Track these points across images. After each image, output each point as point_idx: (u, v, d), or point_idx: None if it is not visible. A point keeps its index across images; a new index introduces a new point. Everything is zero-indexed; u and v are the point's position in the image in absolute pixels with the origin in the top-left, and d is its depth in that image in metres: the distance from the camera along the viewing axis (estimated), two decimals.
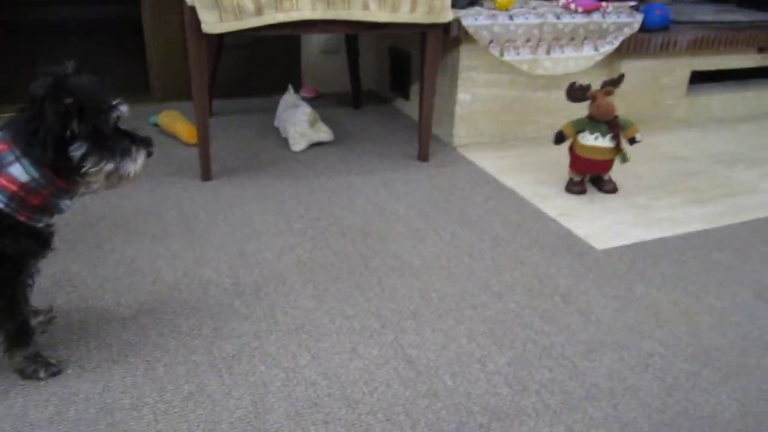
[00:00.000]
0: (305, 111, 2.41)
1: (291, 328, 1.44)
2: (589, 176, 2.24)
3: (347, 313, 1.50)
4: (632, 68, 2.68)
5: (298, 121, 2.40)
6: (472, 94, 2.48)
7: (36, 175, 1.10)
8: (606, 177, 2.20)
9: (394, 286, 1.61)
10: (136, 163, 1.18)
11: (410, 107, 2.83)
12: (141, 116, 2.67)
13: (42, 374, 1.26)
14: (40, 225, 1.16)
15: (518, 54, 2.40)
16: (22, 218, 1.12)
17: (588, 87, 2.10)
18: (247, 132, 2.59)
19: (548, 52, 2.44)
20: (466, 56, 2.40)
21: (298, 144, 2.40)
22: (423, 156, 2.38)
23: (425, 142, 2.36)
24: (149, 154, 1.21)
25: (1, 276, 1.16)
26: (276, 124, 2.60)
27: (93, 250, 1.72)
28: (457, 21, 2.28)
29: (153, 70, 2.87)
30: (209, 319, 1.46)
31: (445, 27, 2.20)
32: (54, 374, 1.28)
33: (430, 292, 1.59)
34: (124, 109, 1.17)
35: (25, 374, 1.26)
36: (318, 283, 1.61)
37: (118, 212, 1.92)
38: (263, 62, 2.97)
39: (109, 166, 1.15)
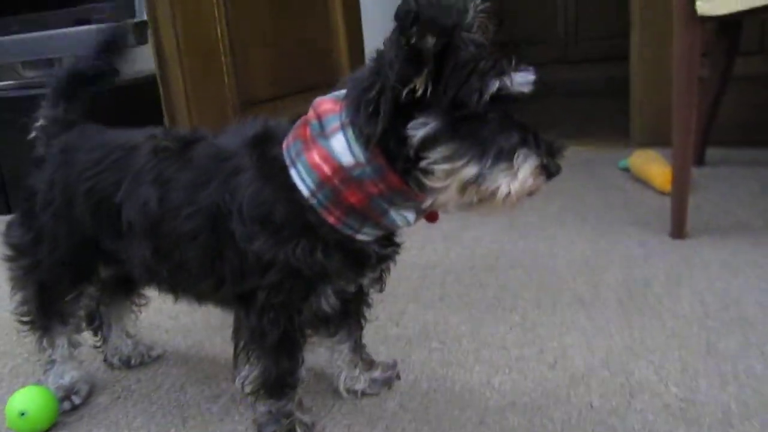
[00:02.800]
0: None
1: None
2: None
3: None
4: None
5: None
6: None
7: (362, 158, 0.71)
8: None
9: None
10: (515, 179, 0.68)
11: None
12: (610, 161, 2.14)
13: None
14: (360, 237, 0.76)
15: None
16: (331, 220, 0.74)
17: None
18: (751, 185, 1.80)
19: None
20: None
21: None
22: None
23: None
24: (551, 172, 0.68)
25: (285, 300, 0.77)
26: None
27: (479, 304, 1.24)
28: None
29: (635, 109, 2.32)
30: None
31: None
32: None
33: None
34: (523, 77, 0.67)
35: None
36: None
37: (535, 256, 1.41)
38: None
39: (469, 171, 0.68)
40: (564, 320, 1.15)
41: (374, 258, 0.79)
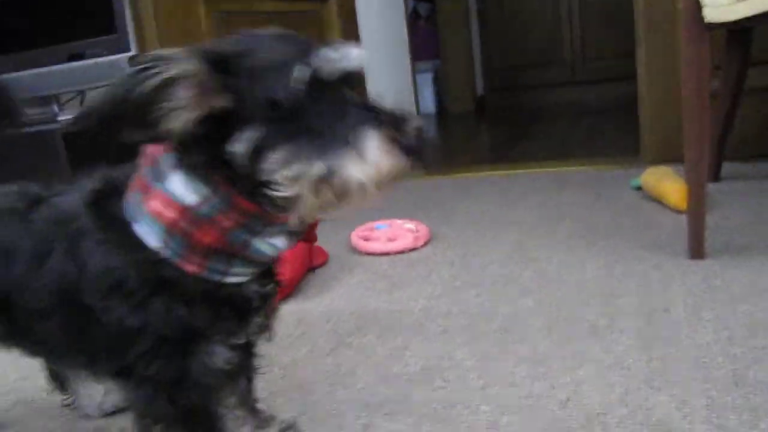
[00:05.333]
0: None
1: None
2: None
3: None
4: None
5: None
6: None
7: (206, 192, 0.63)
8: None
9: None
10: (365, 161, 0.60)
11: None
12: (622, 180, 2.06)
13: None
14: (231, 280, 0.67)
15: None
16: (191, 269, 0.65)
17: None
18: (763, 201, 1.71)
19: None
20: None
21: None
22: None
23: None
24: (408, 147, 0.60)
25: (163, 368, 0.68)
26: None
27: (486, 336, 1.16)
28: None
29: (645, 125, 2.24)
30: None
31: None
32: None
33: None
34: (335, 52, 0.61)
35: None
36: None
37: (545, 283, 1.33)
38: None
39: (313, 168, 0.60)
40: (577, 352, 1.06)
41: (256, 300, 0.71)
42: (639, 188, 1.93)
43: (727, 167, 1.95)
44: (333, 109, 0.61)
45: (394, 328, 1.23)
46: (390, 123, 0.61)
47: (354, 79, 0.63)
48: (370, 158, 0.60)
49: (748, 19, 1.19)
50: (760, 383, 0.92)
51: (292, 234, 0.69)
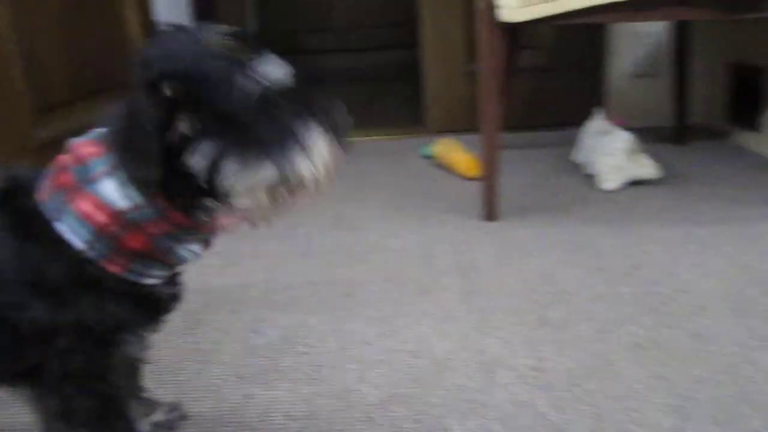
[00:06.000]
0: (622, 138, 1.80)
1: None
2: None
3: None
4: None
5: (612, 150, 1.80)
6: None
7: (140, 201, 0.66)
8: None
9: None
10: (313, 157, 0.66)
11: (762, 142, 2.06)
12: (412, 148, 2.29)
13: None
14: (148, 282, 0.71)
15: None
16: (115, 269, 0.68)
17: None
18: (542, 167, 2.05)
19: None
20: None
21: (610, 180, 1.80)
22: None
23: None
24: (343, 145, 0.68)
25: (85, 362, 0.70)
26: (577, 158, 2.03)
27: (332, 301, 1.29)
28: None
29: (431, 97, 2.50)
30: (499, 426, 0.91)
31: None
32: None
33: None
34: (271, 65, 0.66)
35: None
36: (672, 385, 0.97)
37: (371, 249, 1.49)
38: (559, 89, 2.44)
39: (269, 172, 0.65)
40: (414, 310, 1.24)
41: (167, 300, 0.76)
42: (428, 157, 2.16)
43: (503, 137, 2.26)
44: (279, 113, 0.66)
45: (244, 302, 1.29)
46: (326, 121, 0.67)
47: (285, 86, 0.67)
48: (318, 156, 0.66)
49: (534, 20, 1.43)
50: (559, 322, 1.16)
51: (207, 241, 0.73)
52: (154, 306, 0.74)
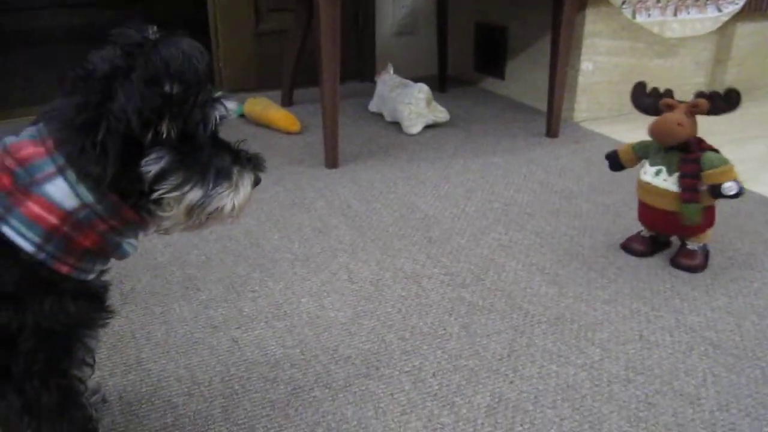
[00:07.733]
0: (422, 89, 2.15)
1: (551, 319, 1.18)
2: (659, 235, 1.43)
3: (602, 297, 1.25)
4: (746, 31, 2.50)
5: (415, 99, 2.13)
6: (594, 62, 2.26)
7: (91, 199, 0.67)
8: (690, 245, 1.35)
9: (645, 266, 1.36)
10: (237, 194, 0.75)
11: (505, 87, 2.60)
12: None
13: None
14: (91, 277, 0.73)
15: (649, 16, 2.19)
16: (64, 270, 0.69)
17: (665, 93, 1.33)
18: (347, 118, 2.31)
19: (675, 14, 2.25)
20: (591, 21, 2.18)
21: (414, 126, 2.14)
22: (553, 132, 2.14)
23: (556, 117, 2.12)
24: (257, 182, 0.78)
25: (48, 361, 0.72)
26: (375, 108, 2.33)
27: (252, 248, 1.43)
28: None
29: (224, 58, 2.57)
30: (457, 325, 1.19)
31: None
32: None
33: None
34: (231, 106, 0.73)
35: None
36: (543, 267, 1.35)
37: (256, 206, 1.63)
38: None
39: (194, 194, 0.71)
40: (328, 257, 1.43)
41: (105, 291, 0.77)
42: (240, 115, 2.28)
43: (298, 93, 2.46)
44: (215, 145, 0.73)
45: (171, 272, 1.35)
46: (252, 162, 0.77)
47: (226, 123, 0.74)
48: (243, 192, 0.75)
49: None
50: (439, 237, 1.47)
51: (141, 236, 0.78)
52: (98, 300, 0.76)
